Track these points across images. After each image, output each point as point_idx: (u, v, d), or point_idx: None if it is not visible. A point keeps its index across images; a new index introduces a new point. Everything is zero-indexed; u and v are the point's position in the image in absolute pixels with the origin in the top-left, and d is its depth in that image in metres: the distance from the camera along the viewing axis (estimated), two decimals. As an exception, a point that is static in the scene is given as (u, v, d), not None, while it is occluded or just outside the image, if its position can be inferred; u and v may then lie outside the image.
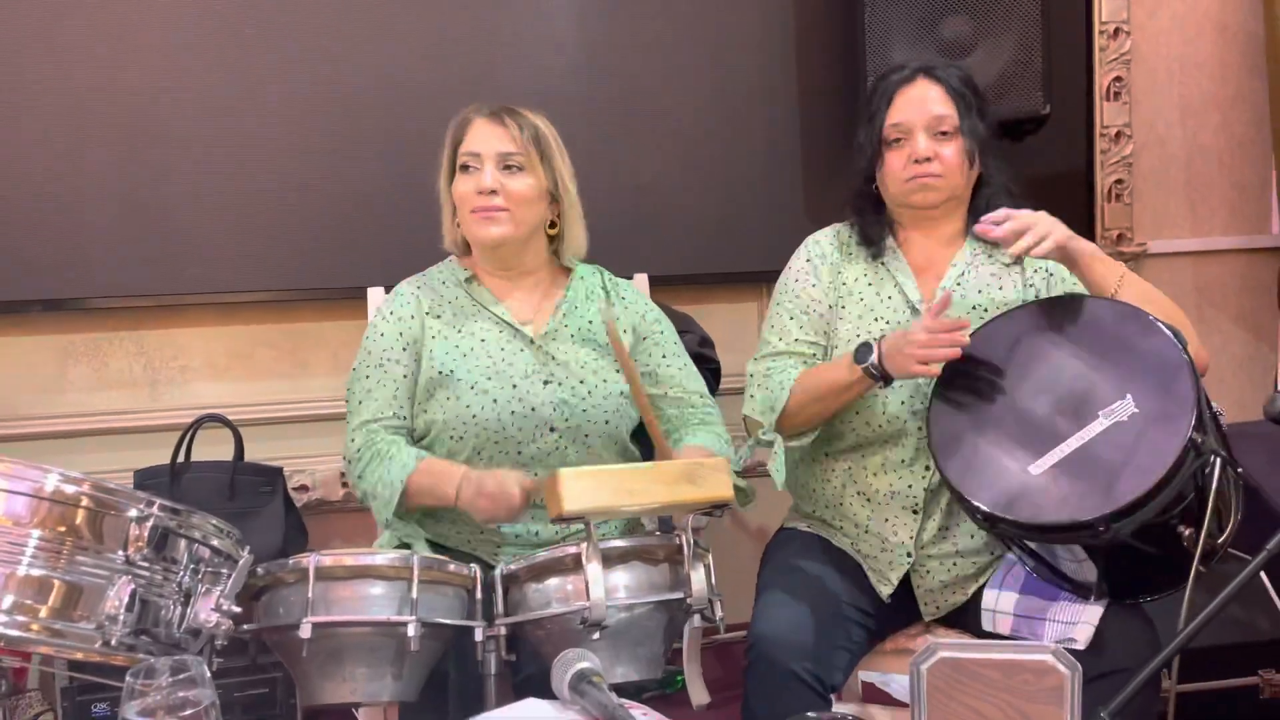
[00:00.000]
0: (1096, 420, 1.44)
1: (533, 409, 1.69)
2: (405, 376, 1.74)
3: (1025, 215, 1.62)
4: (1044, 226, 1.60)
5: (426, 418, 1.72)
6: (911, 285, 1.77)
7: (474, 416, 1.68)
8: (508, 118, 1.74)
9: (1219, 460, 1.40)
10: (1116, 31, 2.94)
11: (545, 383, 1.72)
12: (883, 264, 1.80)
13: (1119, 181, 2.98)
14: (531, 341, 1.76)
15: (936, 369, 1.56)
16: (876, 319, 1.76)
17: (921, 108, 1.74)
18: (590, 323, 1.79)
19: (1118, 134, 2.96)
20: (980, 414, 1.55)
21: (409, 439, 1.74)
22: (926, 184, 1.73)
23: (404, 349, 1.74)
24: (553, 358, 1.75)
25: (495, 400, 1.69)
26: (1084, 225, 2.91)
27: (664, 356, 1.83)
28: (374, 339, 1.77)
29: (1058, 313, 1.58)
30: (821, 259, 1.83)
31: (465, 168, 1.73)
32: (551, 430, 1.70)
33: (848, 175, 1.86)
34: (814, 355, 1.79)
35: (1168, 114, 3.02)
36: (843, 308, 1.79)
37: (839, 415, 1.74)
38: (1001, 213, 1.63)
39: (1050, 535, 1.44)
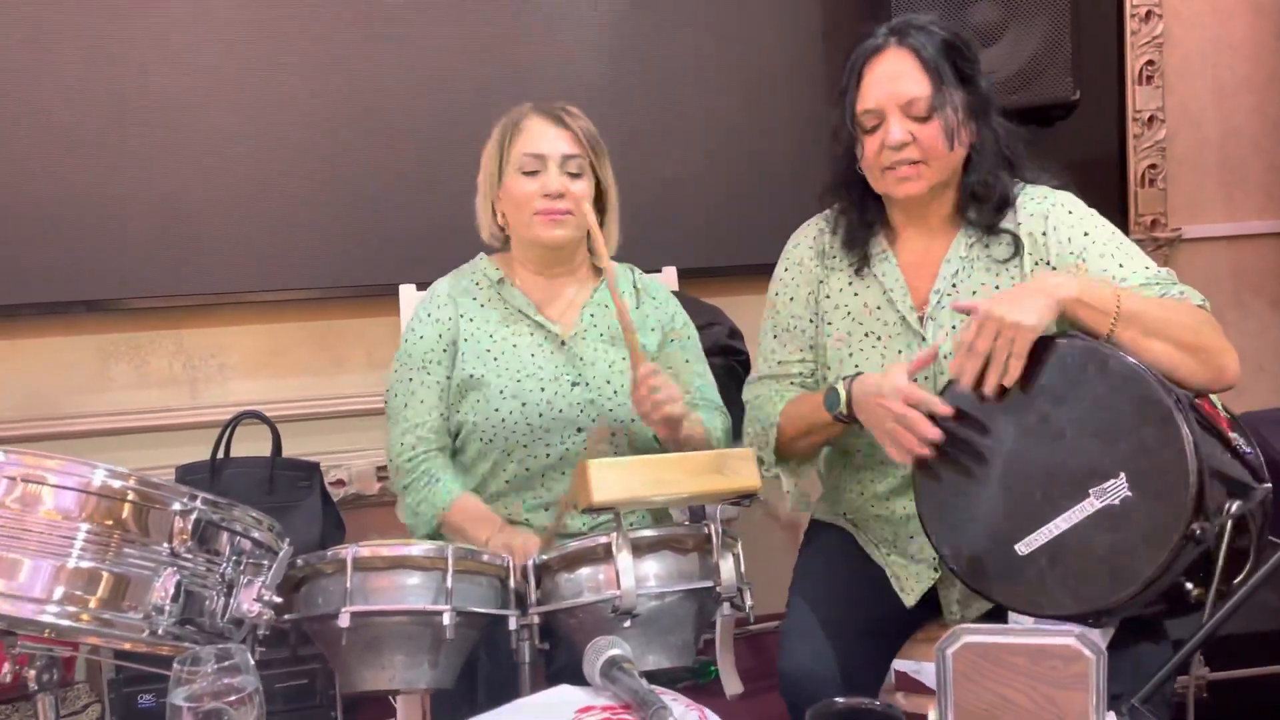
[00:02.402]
0: (1087, 499, 1.32)
1: (560, 411, 1.72)
2: (447, 378, 1.77)
3: (977, 336, 1.40)
4: (1000, 333, 1.38)
5: (458, 418, 1.76)
6: (902, 293, 1.63)
7: (503, 420, 1.72)
8: (566, 118, 1.75)
9: (1230, 523, 1.29)
10: (1148, 14, 2.91)
11: (573, 384, 1.74)
12: (867, 268, 1.66)
13: (1152, 166, 2.95)
14: (562, 343, 1.78)
15: (910, 458, 1.45)
16: (866, 334, 1.65)
17: (891, 88, 1.55)
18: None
19: (1150, 118, 2.93)
20: (966, 472, 1.43)
21: (452, 449, 1.78)
22: (906, 174, 1.56)
23: (444, 350, 1.77)
24: (581, 358, 1.77)
25: (524, 404, 1.72)
26: (1117, 212, 2.88)
27: (686, 361, 1.85)
28: (414, 341, 1.79)
29: (1047, 357, 1.40)
30: (799, 268, 1.72)
31: (528, 169, 1.73)
32: (579, 431, 1.73)
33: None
34: (801, 374, 1.72)
35: (1201, 97, 2.99)
36: (828, 324, 1.68)
37: (842, 434, 1.66)
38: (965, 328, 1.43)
39: (1046, 620, 1.37)
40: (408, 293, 2.06)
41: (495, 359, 1.76)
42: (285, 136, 2.56)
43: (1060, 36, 2.55)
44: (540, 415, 1.72)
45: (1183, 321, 1.43)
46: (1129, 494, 1.30)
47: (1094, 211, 1.63)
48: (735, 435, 1.87)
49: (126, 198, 2.50)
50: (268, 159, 2.56)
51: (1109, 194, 2.88)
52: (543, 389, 1.73)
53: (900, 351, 1.63)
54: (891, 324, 1.64)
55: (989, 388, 1.40)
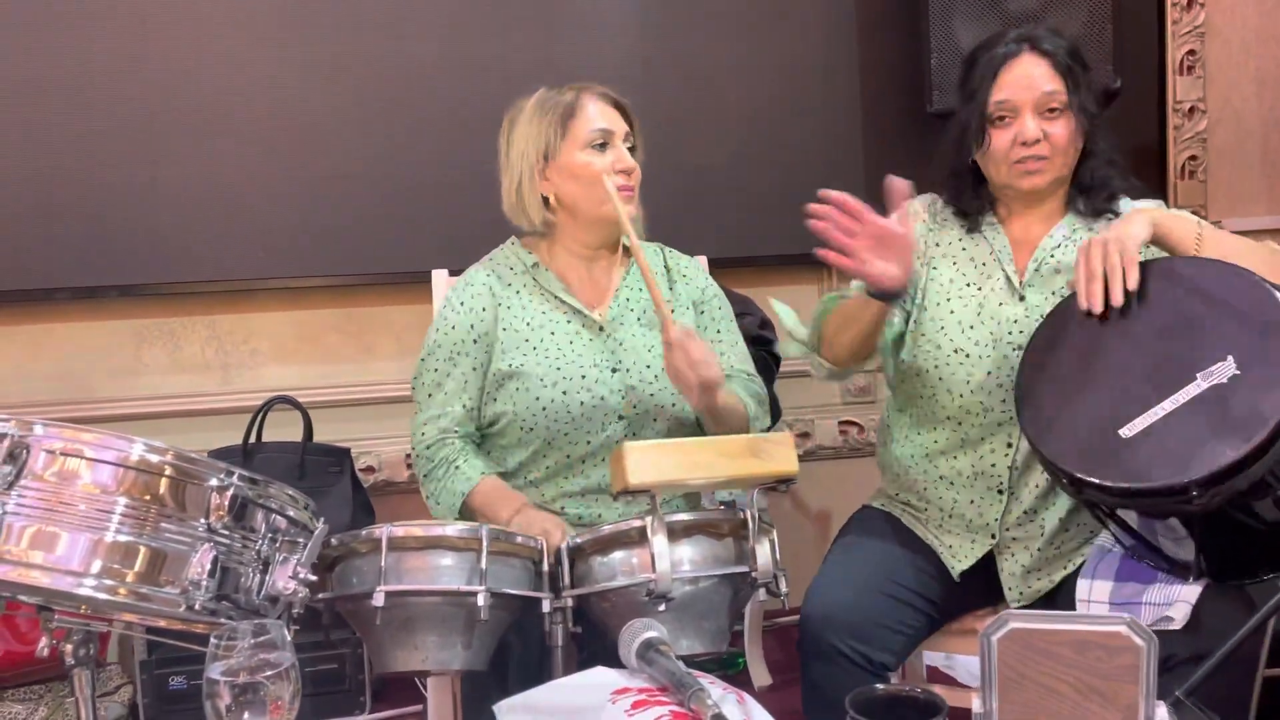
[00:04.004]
0: (1194, 383, 1.37)
1: (601, 398, 1.71)
2: (475, 369, 1.75)
3: (1088, 259, 1.51)
4: (1106, 249, 1.50)
5: (496, 408, 1.74)
6: (1008, 256, 1.73)
7: (544, 409, 1.70)
8: (618, 100, 1.77)
9: None
10: (1190, 4, 2.86)
11: (613, 370, 1.73)
12: (978, 230, 1.76)
13: (1193, 158, 2.90)
14: (601, 329, 1.76)
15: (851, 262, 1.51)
16: (969, 284, 1.72)
17: (1029, 85, 1.66)
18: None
19: (1191, 109, 2.88)
20: (1070, 378, 1.49)
21: (477, 436, 1.78)
22: (1033, 169, 1.67)
23: (474, 341, 1.75)
24: (620, 344, 1.76)
25: (565, 392, 1.70)
26: (1159, 199, 2.83)
27: (718, 332, 1.84)
28: (444, 330, 1.78)
29: (1151, 275, 1.50)
30: (912, 215, 1.78)
31: (599, 144, 1.72)
32: (620, 418, 1.71)
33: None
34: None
35: (1243, 88, 2.93)
36: (933, 268, 1.75)
37: (918, 377, 1.71)
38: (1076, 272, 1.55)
39: (1139, 500, 1.39)
40: (439, 279, 2.05)
41: (534, 348, 1.74)
42: (318, 124, 2.57)
43: (1101, 24, 2.51)
44: (581, 404, 1.71)
45: (1263, 251, 1.55)
46: (1236, 372, 1.35)
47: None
48: (773, 416, 1.86)
49: (161, 184, 2.51)
50: (300, 146, 2.56)
51: (1149, 185, 2.82)
52: (583, 376, 1.72)
53: (1001, 304, 1.70)
54: (995, 278, 1.72)
55: (1115, 298, 1.48)
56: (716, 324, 1.85)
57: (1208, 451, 1.32)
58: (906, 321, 1.76)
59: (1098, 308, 1.49)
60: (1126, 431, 1.39)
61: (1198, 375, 1.38)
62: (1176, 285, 1.48)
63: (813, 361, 1.79)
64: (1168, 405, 1.38)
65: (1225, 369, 1.36)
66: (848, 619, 1.59)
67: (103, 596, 1.15)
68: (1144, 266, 1.51)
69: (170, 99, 2.50)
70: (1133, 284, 1.48)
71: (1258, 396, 1.33)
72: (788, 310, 1.81)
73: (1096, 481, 1.39)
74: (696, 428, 1.79)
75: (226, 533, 1.21)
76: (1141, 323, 1.47)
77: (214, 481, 1.20)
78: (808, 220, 1.51)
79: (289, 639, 1.08)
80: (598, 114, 1.74)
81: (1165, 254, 1.59)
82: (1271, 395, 1.32)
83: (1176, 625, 1.45)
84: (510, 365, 1.73)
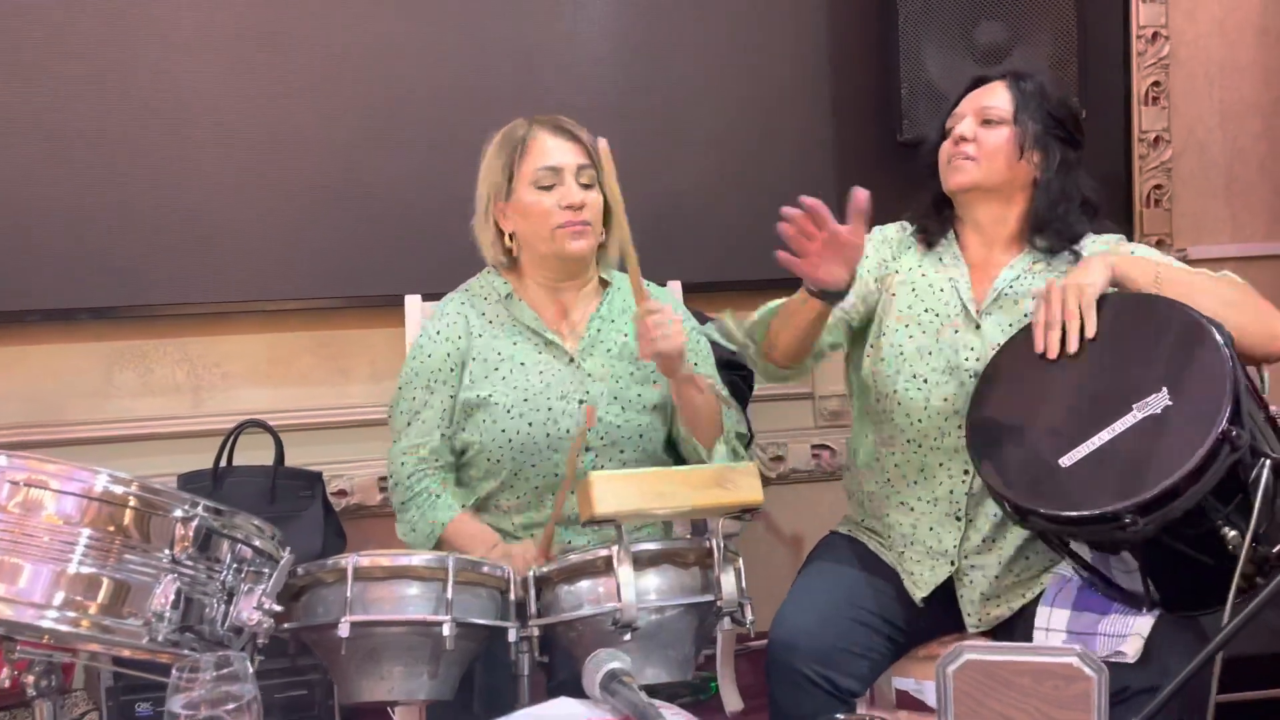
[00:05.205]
0: (1130, 413, 1.42)
1: (568, 430, 1.71)
2: (452, 398, 1.76)
3: (1048, 306, 1.56)
4: (1066, 297, 1.54)
5: (464, 437, 1.75)
6: (965, 284, 1.76)
7: (509, 441, 1.71)
8: (573, 131, 1.76)
9: (1268, 462, 1.36)
10: (1155, 36, 2.92)
11: (580, 402, 1.73)
12: (939, 258, 1.80)
13: (1158, 187, 2.95)
14: (571, 360, 1.77)
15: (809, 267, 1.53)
16: (927, 310, 1.75)
17: (978, 99, 1.76)
18: (626, 336, 1.80)
19: (1156, 139, 2.93)
20: (1017, 408, 1.54)
21: (454, 466, 1.78)
22: (958, 165, 1.73)
23: (451, 370, 1.77)
24: (589, 375, 1.77)
25: (530, 424, 1.71)
26: (1123, 231, 2.87)
27: (695, 365, 1.84)
28: (421, 360, 1.78)
29: (1102, 313, 1.56)
30: (882, 241, 1.85)
31: (545, 183, 1.73)
32: (587, 449, 1.72)
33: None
34: (846, 314, 1.78)
35: (1207, 119, 2.99)
36: (892, 294, 1.79)
37: (877, 403, 1.74)
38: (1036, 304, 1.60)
39: (1078, 528, 1.43)
40: (413, 303, 2.06)
41: (503, 378, 1.75)
42: (293, 147, 2.57)
43: (1066, 56, 2.56)
44: (547, 435, 1.72)
45: (1223, 285, 1.60)
46: (1170, 403, 1.40)
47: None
48: (746, 440, 1.88)
49: (133, 206, 2.51)
50: (275, 169, 2.57)
51: (1115, 214, 2.86)
52: (549, 408, 1.73)
53: (957, 331, 1.73)
54: (951, 305, 1.75)
55: (1071, 345, 1.53)
56: (695, 356, 1.85)
57: (1140, 479, 1.36)
58: (853, 338, 1.81)
59: (1053, 354, 1.54)
60: (1066, 461, 1.44)
61: (1134, 406, 1.43)
62: (1120, 321, 1.53)
63: (755, 365, 1.81)
64: (1105, 435, 1.43)
65: (1159, 400, 1.42)
66: (813, 645, 1.60)
67: (65, 629, 1.15)
68: (1099, 300, 1.56)
69: (143, 122, 2.50)
70: (1090, 332, 1.53)
71: (1188, 425, 1.38)
72: (727, 316, 1.81)
73: (1037, 510, 1.43)
74: (665, 460, 1.80)
75: (191, 563, 1.21)
76: (1084, 356, 1.52)
77: (178, 512, 1.20)
78: (778, 225, 1.54)
79: (251, 671, 1.08)
80: (548, 150, 1.74)
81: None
82: (1200, 424, 1.36)
83: (1129, 659, 1.47)
84: (479, 395, 1.74)
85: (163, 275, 2.53)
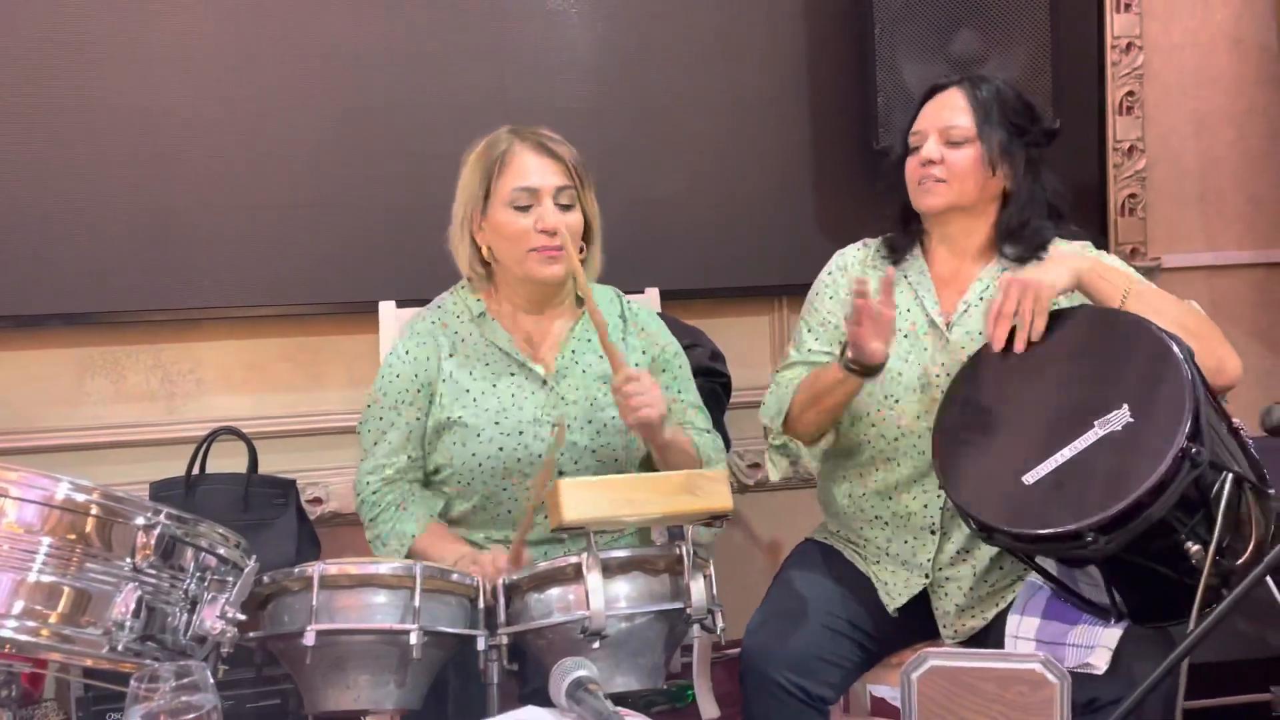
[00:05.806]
0: (1091, 430, 1.42)
1: (539, 455, 1.69)
2: (419, 419, 1.74)
3: (1004, 298, 1.56)
4: (1023, 293, 1.54)
5: (436, 459, 1.74)
6: (931, 299, 1.76)
7: (480, 465, 1.70)
8: (554, 148, 1.71)
9: (1230, 476, 1.36)
10: (1129, 46, 2.94)
11: (554, 426, 1.70)
12: (905, 277, 1.79)
13: (1132, 196, 2.97)
14: (544, 382, 1.75)
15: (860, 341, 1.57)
16: (894, 331, 1.74)
17: (938, 114, 1.75)
18: (600, 358, 1.74)
19: (1130, 148, 2.95)
20: (980, 425, 1.54)
21: (423, 479, 1.77)
22: (929, 189, 1.73)
23: (419, 390, 1.74)
24: (562, 398, 1.74)
25: (501, 448, 1.70)
26: (1097, 240, 2.89)
27: (679, 391, 1.83)
28: (389, 379, 1.76)
29: (1062, 324, 1.57)
30: (842, 271, 1.85)
31: (521, 204, 1.68)
32: (560, 474, 1.69)
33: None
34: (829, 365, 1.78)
35: (1181, 128, 3.01)
36: None
37: (852, 426, 1.74)
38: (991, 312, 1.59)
39: (1040, 546, 1.43)
40: (387, 310, 2.06)
41: (475, 400, 1.72)
42: (267, 152, 2.55)
43: (1041, 66, 2.57)
44: (519, 459, 1.70)
45: (1185, 312, 1.61)
46: (1131, 420, 1.40)
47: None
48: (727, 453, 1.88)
49: (105, 211, 2.49)
50: (249, 174, 2.55)
51: (1089, 222, 2.90)
52: (521, 431, 1.71)
53: (926, 349, 1.74)
54: (919, 323, 1.75)
55: (1019, 345, 1.54)
56: (679, 383, 1.84)
57: (1101, 497, 1.36)
58: None
59: (999, 346, 1.54)
60: (1029, 478, 1.43)
61: (1095, 423, 1.42)
62: (1084, 335, 1.53)
63: (771, 446, 1.82)
64: (1067, 453, 1.42)
65: (1120, 416, 1.41)
66: (786, 653, 1.60)
67: (24, 638, 1.14)
68: (1058, 315, 1.56)
69: (115, 127, 2.48)
70: (1037, 335, 1.53)
71: (1148, 442, 1.37)
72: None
73: (1000, 527, 1.42)
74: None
75: (154, 572, 1.20)
76: (1048, 371, 1.53)
77: (140, 520, 1.19)
78: (854, 300, 1.57)
79: (212, 681, 1.07)
80: (526, 169, 1.69)
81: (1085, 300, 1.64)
82: (1160, 441, 1.36)
83: (1098, 670, 1.47)
84: (450, 416, 1.72)
85: (136, 281, 2.51)
